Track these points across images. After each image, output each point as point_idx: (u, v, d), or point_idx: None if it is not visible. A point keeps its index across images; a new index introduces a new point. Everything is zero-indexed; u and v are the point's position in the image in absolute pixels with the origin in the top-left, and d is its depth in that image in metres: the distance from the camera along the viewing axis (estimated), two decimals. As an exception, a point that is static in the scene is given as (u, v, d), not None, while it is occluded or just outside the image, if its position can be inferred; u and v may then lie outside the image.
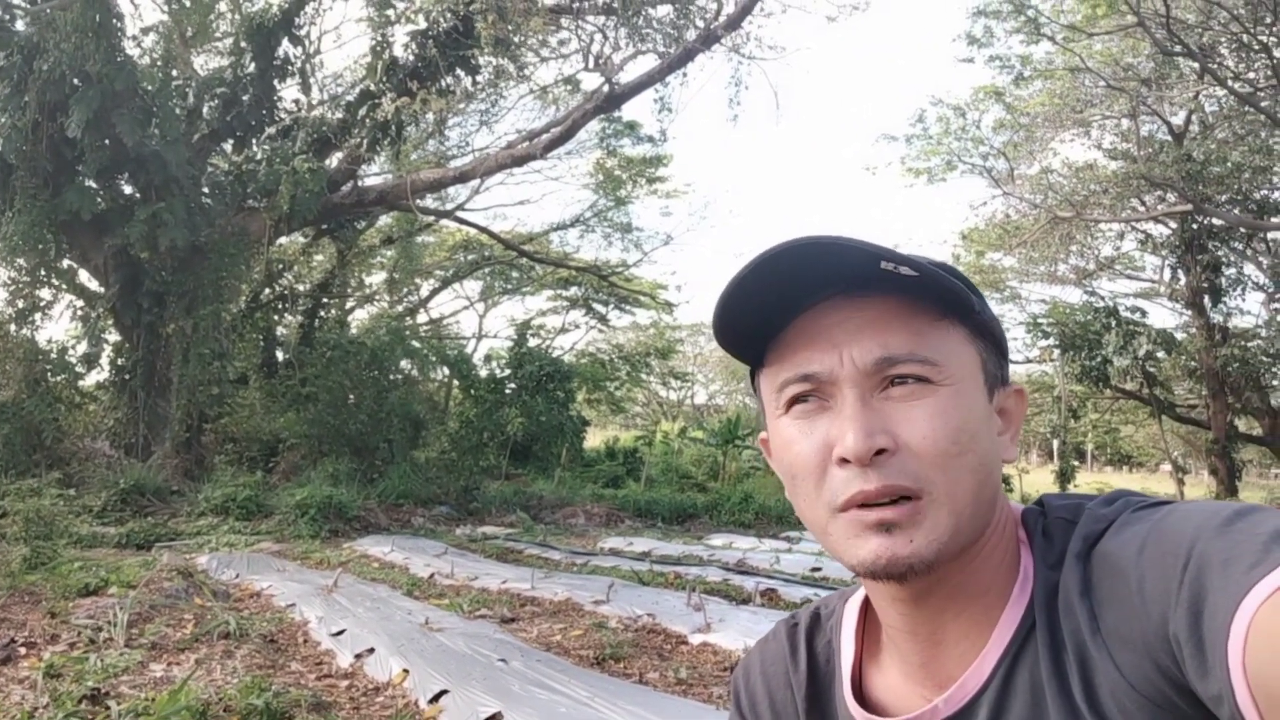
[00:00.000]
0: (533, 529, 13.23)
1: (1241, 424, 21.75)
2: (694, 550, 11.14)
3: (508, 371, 18.11)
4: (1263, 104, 14.23)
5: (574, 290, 25.92)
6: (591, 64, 13.84)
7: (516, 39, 12.48)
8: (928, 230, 38.16)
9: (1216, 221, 18.88)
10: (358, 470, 14.40)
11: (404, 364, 17.77)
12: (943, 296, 0.67)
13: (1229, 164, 17.52)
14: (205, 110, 14.04)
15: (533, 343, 18.69)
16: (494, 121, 16.43)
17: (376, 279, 21.51)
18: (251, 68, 13.63)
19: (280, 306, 18.84)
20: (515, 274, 25.00)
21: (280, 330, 19.15)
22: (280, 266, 18.12)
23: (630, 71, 15.45)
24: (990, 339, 0.72)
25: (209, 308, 13.54)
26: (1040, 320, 23.09)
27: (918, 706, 0.73)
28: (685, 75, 15.02)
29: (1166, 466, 28.50)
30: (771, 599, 7.39)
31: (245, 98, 13.80)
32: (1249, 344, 19.98)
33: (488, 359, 19.15)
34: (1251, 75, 15.33)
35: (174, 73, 13.61)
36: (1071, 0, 16.65)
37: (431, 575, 8.59)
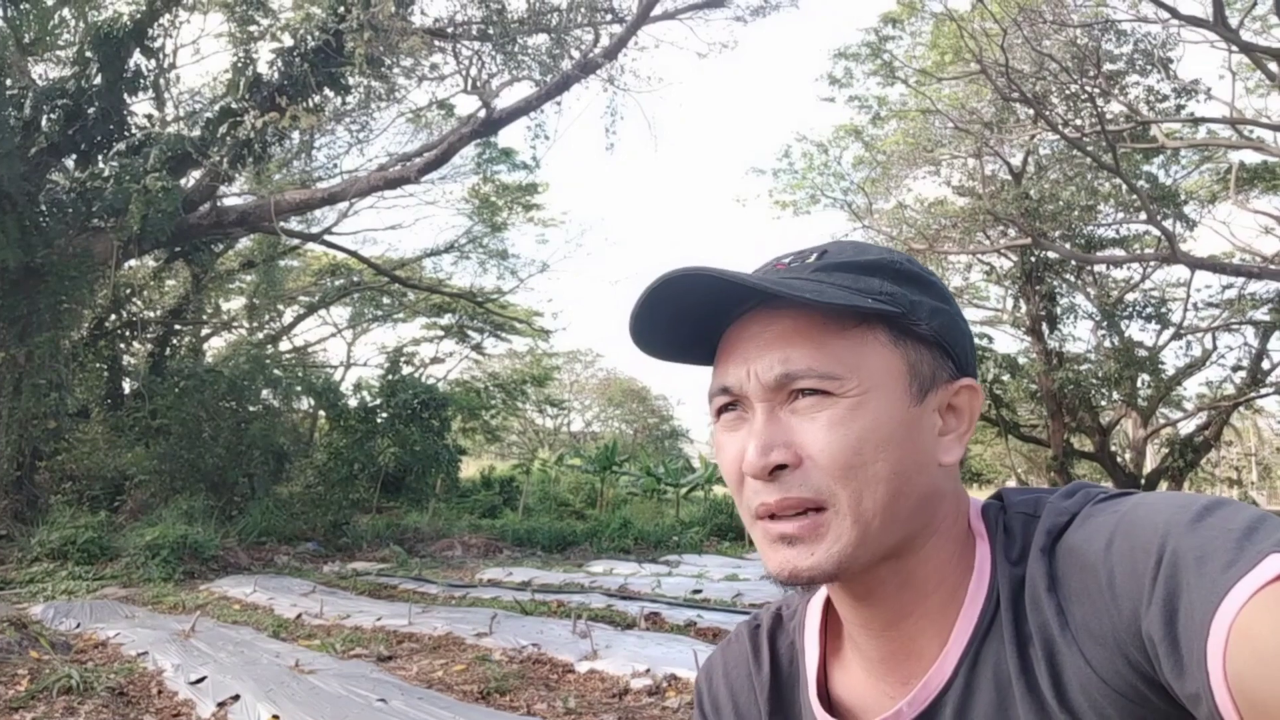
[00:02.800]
0: (407, 563, 12.78)
1: (1076, 441, 23.55)
2: (575, 578, 11.06)
3: (379, 400, 17.50)
4: (1089, 148, 15.61)
5: (448, 317, 25.41)
6: (469, 87, 13.72)
7: (390, 59, 12.21)
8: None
9: (1052, 255, 20.51)
10: (215, 507, 13.50)
11: (265, 394, 16.87)
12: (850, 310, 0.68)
13: (1060, 202, 19.12)
14: (44, 122, 12.98)
15: (406, 371, 18.13)
16: (364, 144, 15.97)
17: (235, 304, 20.39)
18: (99, 79, 12.72)
19: (128, 334, 17.53)
20: (386, 300, 24.28)
21: (128, 359, 17.81)
22: (129, 291, 16.88)
23: (508, 97, 15.43)
24: (922, 338, 0.71)
25: (46, 335, 12.43)
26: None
27: (882, 706, 0.73)
28: (560, 104, 15.13)
29: (1012, 482, 30.56)
30: (656, 623, 7.42)
31: (91, 110, 12.85)
32: (1080, 367, 21.70)
33: (358, 387, 18.44)
34: (1078, 122, 16.80)
35: (8, 81, 12.54)
36: (923, 47, 17.83)
37: (299, 615, 8.15)
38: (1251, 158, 18.40)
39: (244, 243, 18.39)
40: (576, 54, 14.33)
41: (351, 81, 13.38)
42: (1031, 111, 17.15)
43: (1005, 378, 22.05)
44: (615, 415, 42.10)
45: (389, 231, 21.64)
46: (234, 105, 12.97)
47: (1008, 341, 25.89)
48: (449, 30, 13.66)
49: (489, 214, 21.60)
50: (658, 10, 14.26)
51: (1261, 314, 21.61)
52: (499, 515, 19.26)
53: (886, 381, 0.68)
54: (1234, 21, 13.83)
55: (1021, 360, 22.78)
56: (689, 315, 0.72)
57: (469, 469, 24.41)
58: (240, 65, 13.04)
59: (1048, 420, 22.27)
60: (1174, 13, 14.11)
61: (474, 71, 13.69)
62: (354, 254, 18.84)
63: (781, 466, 0.66)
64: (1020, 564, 0.67)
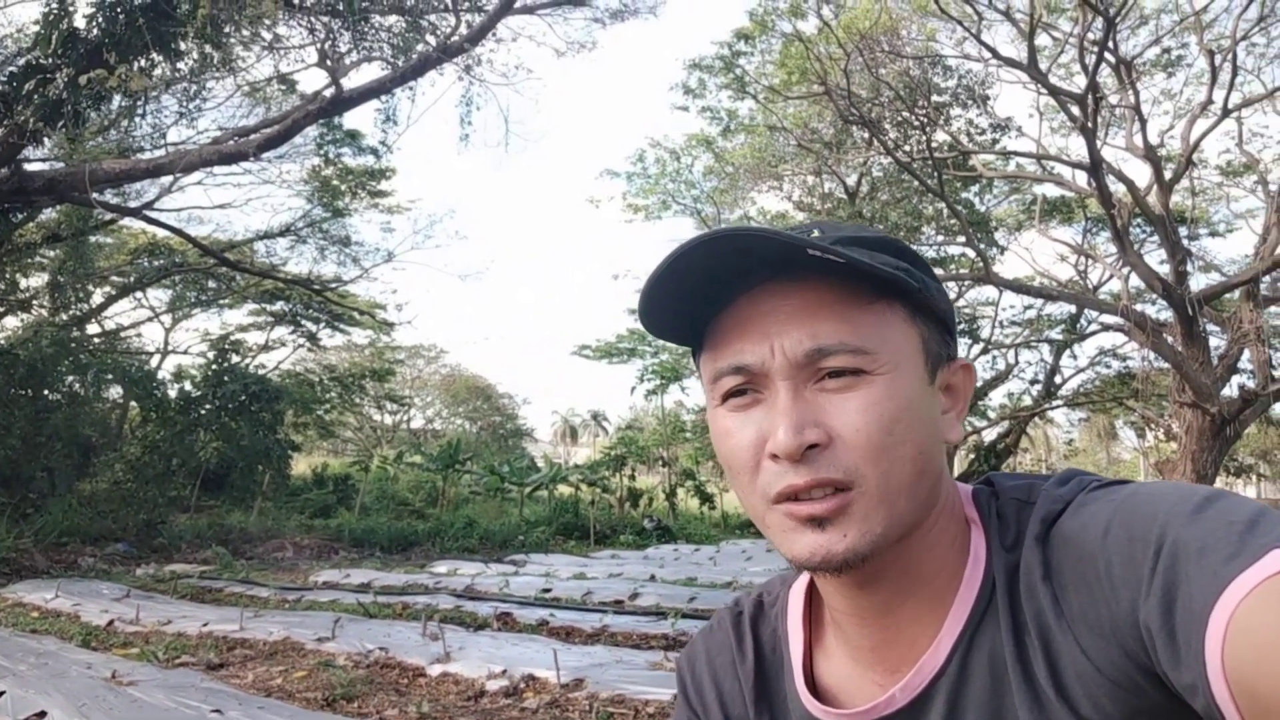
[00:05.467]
0: (232, 565, 11.95)
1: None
2: (418, 579, 10.72)
3: (202, 391, 16.26)
4: (918, 171, 16.79)
5: (281, 305, 23.94)
6: (321, 60, 13.00)
7: (233, 24, 11.37)
8: (646, 264, 40.29)
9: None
10: (7, 505, 12.11)
11: (70, 380, 15.29)
12: (875, 279, 0.65)
13: (890, 222, 20.46)
14: None
15: (234, 360, 16.95)
16: (195, 116, 14.75)
17: (36, 282, 18.31)
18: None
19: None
20: (212, 284, 22.54)
21: (-101, 338, 15.66)
22: (-98, 261, 14.85)
23: (359, 77, 14.76)
24: (932, 315, 0.71)
25: None
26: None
27: (870, 694, 0.72)
28: (414, 90, 14.61)
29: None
30: (508, 623, 7.31)
31: None
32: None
33: (178, 376, 17.02)
34: (908, 147, 18.03)
35: None
36: (772, 65, 18.58)
37: (111, 623, 7.45)
38: (1053, 191, 20.41)
39: (49, 213, 16.57)
40: (433, 39, 13.91)
41: (184, 46, 12.34)
42: (867, 134, 18.25)
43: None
44: (459, 413, 41.15)
45: (218, 210, 20.06)
46: (44, 60, 11.66)
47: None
48: (296, 2, 12.89)
49: (330, 198, 20.53)
50: (519, 3, 14.08)
51: (1055, 334, 24.01)
52: (333, 515, 18.38)
53: (909, 358, 0.67)
54: (1044, 65, 15.28)
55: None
56: (691, 290, 0.68)
57: (300, 466, 23.15)
58: (53, 17, 11.75)
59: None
60: (994, 53, 15.41)
61: (326, 46, 12.99)
62: (178, 232, 17.36)
63: (812, 446, 0.63)
64: (1015, 551, 0.67)
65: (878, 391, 0.64)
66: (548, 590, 9.36)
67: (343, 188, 20.61)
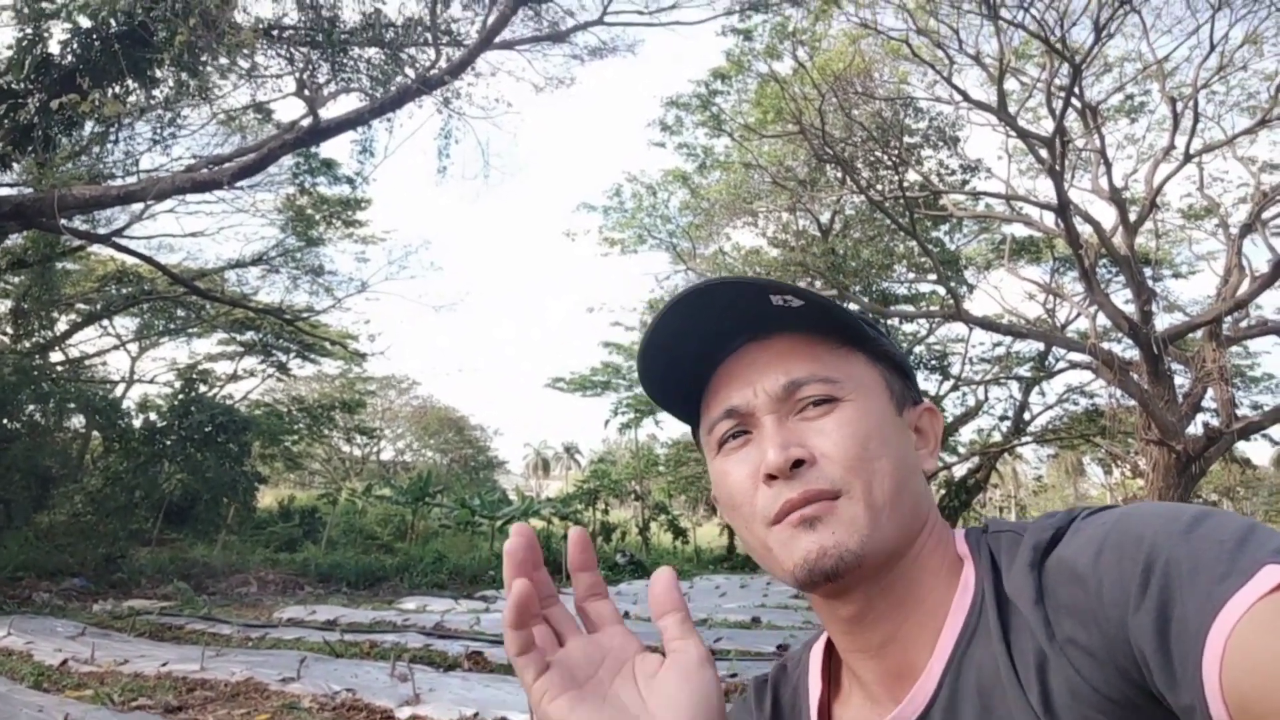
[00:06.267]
0: (194, 601, 11.64)
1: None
2: (387, 616, 10.49)
3: (168, 421, 15.94)
4: (889, 211, 17.04)
5: (251, 334, 23.63)
6: (300, 90, 12.97)
7: (211, 53, 11.32)
8: (621, 297, 40.42)
9: (854, 307, 22.14)
10: (-41, 539, 11.75)
11: (30, 409, 14.93)
12: (835, 325, 0.75)
13: (862, 259, 20.71)
14: None
15: (202, 390, 16.65)
16: (170, 143, 14.62)
17: (-1, 308, 17.94)
18: None
19: None
20: (181, 312, 22.20)
21: None
22: None
23: (337, 108, 14.76)
24: (891, 363, 0.79)
25: None
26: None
27: None
28: (392, 121, 14.62)
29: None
30: (479, 662, 7.16)
31: None
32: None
33: (143, 406, 16.66)
34: (880, 187, 18.33)
35: None
36: (748, 104, 18.85)
37: (65, 662, 7.20)
38: (1021, 231, 20.80)
39: (14, 239, 16.30)
40: (412, 72, 13.95)
41: (160, 74, 12.26)
42: (841, 173, 18.54)
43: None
44: (430, 445, 40.66)
45: (190, 239, 19.70)
46: (15, 85, 11.54)
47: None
48: (275, 33, 12.90)
49: (304, 227, 20.39)
50: (498, 38, 14.18)
51: (1024, 371, 24.32)
52: (299, 549, 18.01)
53: (875, 389, 0.76)
54: (1012, 109, 15.65)
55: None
56: (682, 361, 0.77)
57: (266, 499, 22.73)
58: (27, 43, 11.64)
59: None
60: (965, 96, 15.77)
61: (305, 76, 12.97)
62: (148, 260, 17.12)
63: (800, 463, 0.70)
64: (1004, 578, 0.68)
65: (849, 413, 0.72)
66: (519, 628, 9.20)
67: (317, 217, 20.51)
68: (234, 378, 25.20)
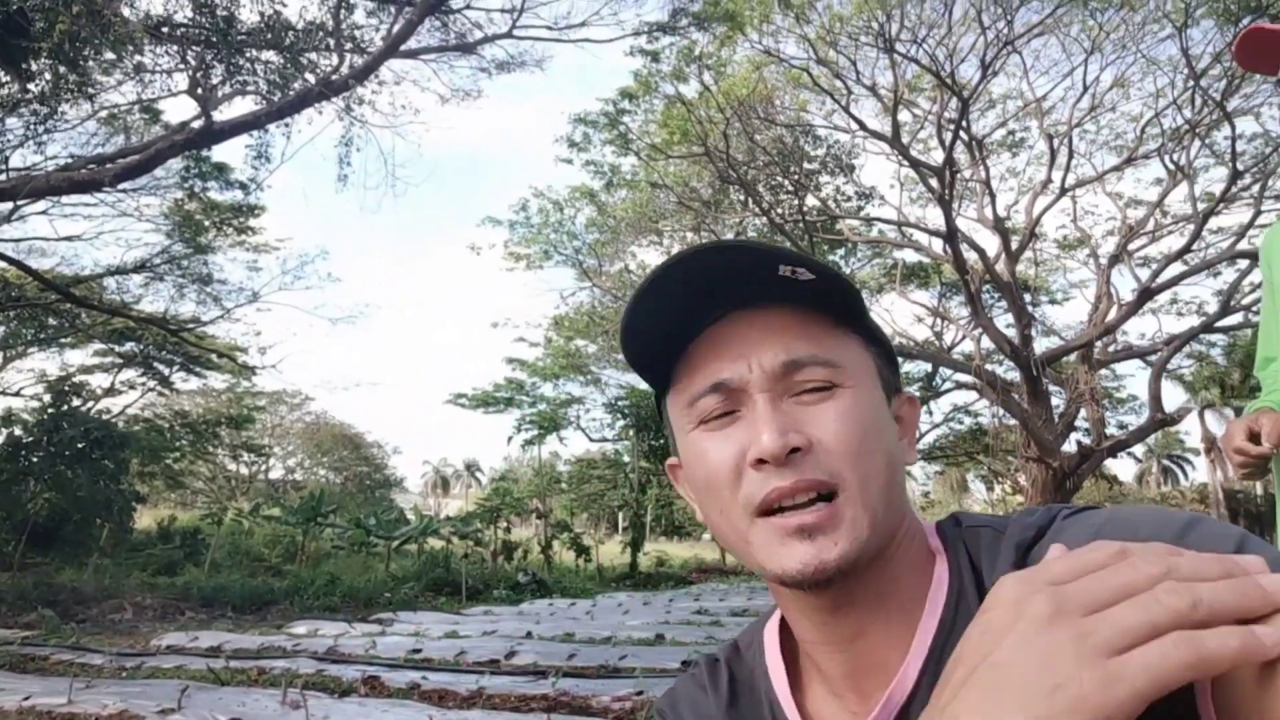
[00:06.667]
0: (61, 629, 10.85)
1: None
2: (276, 641, 10.01)
3: (35, 437, 14.87)
4: (790, 233, 17.54)
5: (131, 345, 22.30)
6: (193, 90, 12.40)
7: (93, 47, 10.69)
8: (525, 313, 39.95)
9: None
10: None
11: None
12: (837, 302, 0.71)
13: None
14: None
15: (75, 403, 15.61)
16: (45, 140, 13.72)
17: None
18: None
19: None
20: (53, 321, 20.78)
21: None
22: None
23: (231, 110, 14.20)
24: (881, 348, 0.76)
25: None
26: (618, 403, 25.36)
27: None
28: (290, 126, 14.13)
29: (707, 535, 32.72)
30: (375, 687, 6.90)
31: None
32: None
33: (7, 420, 15.49)
34: (781, 210, 18.85)
35: None
36: (655, 125, 19.11)
37: (-90, 700, 6.57)
38: (912, 257, 21.73)
39: None
40: (313, 76, 13.54)
41: (35, 66, 11.52)
42: (744, 195, 18.99)
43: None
44: (323, 463, 39.24)
45: (65, 243, 18.39)
46: None
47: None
48: (166, 29, 12.31)
49: (193, 233, 19.44)
50: (403, 46, 13.93)
51: (913, 391, 25.34)
52: (180, 572, 17.00)
53: (870, 377, 0.73)
54: (905, 140, 16.40)
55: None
56: (662, 323, 0.72)
57: (144, 519, 21.42)
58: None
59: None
60: (861, 124, 16.43)
61: (198, 76, 12.41)
62: (16, 263, 15.97)
63: (795, 450, 0.66)
64: (986, 578, 0.68)
65: (848, 402, 0.69)
66: (418, 651, 8.93)
67: (207, 223, 19.60)
68: (111, 391, 23.68)
